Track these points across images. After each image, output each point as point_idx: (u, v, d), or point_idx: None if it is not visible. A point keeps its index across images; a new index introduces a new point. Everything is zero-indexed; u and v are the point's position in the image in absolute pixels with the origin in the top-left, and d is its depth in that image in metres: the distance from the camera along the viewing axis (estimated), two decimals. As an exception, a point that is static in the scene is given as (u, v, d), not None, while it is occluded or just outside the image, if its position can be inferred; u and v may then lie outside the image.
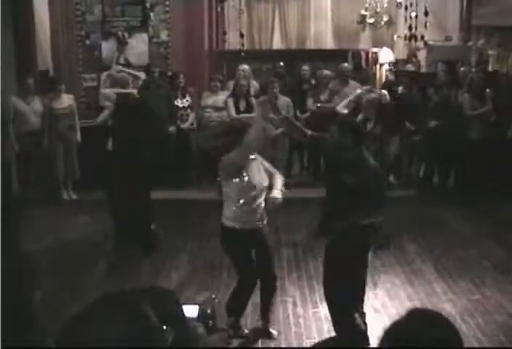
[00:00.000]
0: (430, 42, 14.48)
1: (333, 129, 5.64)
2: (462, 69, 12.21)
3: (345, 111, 10.31)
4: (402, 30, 16.26)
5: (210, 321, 5.13)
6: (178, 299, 2.76)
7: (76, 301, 6.14)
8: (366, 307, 6.35)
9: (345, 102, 9.95)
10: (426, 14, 11.65)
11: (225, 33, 13.34)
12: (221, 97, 11.15)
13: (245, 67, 11.52)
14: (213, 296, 5.84)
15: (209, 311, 5.20)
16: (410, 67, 13.29)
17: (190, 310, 4.20)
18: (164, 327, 2.16)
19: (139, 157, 8.40)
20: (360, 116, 9.10)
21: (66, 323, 1.85)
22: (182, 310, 2.72)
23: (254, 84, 11.75)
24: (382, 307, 6.64)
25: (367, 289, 6.80)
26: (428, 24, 11.92)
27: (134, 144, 8.37)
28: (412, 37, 12.43)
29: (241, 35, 13.50)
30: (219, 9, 13.53)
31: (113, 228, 8.53)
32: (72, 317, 1.87)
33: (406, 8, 12.60)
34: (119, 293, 2.01)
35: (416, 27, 12.13)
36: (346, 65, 11.86)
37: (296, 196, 9.35)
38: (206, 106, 11.23)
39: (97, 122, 10.33)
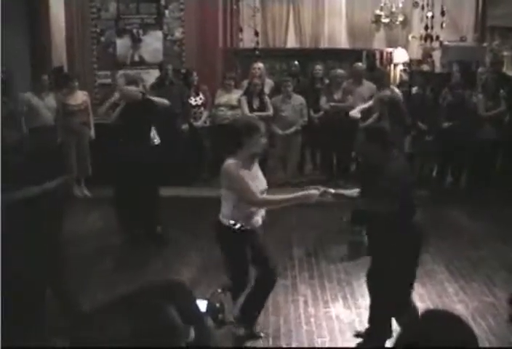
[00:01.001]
0: (445, 42, 14.42)
1: (361, 137, 5.72)
2: (479, 70, 12.17)
3: (359, 116, 10.34)
4: (417, 30, 16.20)
5: (220, 315, 5.14)
6: (195, 296, 2.76)
7: (86, 298, 6.18)
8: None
9: (360, 107, 9.97)
10: (443, 14, 11.62)
11: (241, 30, 13.29)
12: (235, 96, 11.16)
13: (260, 65, 11.51)
14: (219, 290, 5.82)
15: (217, 305, 5.21)
16: (425, 67, 13.25)
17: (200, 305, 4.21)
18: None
19: (147, 154, 8.43)
20: (374, 115, 9.12)
21: (83, 319, 1.86)
22: (199, 308, 2.72)
23: (269, 82, 11.74)
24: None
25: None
26: (443, 24, 11.88)
27: (142, 142, 8.43)
28: (428, 37, 12.38)
29: (256, 34, 13.47)
30: (234, 7, 13.50)
31: (122, 225, 8.59)
32: (89, 313, 1.87)
33: (422, 8, 12.57)
34: (140, 290, 2.01)
35: (432, 27, 12.09)
36: (360, 64, 11.86)
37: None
38: (220, 104, 11.23)
39: (112, 119, 10.32)
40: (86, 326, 1.82)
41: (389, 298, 5.64)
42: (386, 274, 5.57)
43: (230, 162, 5.46)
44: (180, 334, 2.00)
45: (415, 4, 13.77)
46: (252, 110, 10.74)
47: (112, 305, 1.93)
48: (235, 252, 5.74)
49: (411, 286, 5.80)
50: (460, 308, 6.53)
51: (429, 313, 2.31)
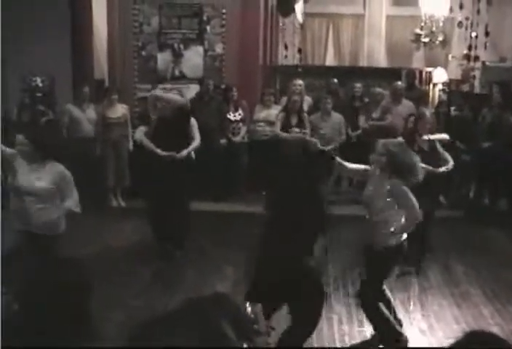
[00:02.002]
0: (486, 63, 14.37)
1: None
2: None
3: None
4: (456, 49, 16.16)
5: (255, 326, 5.14)
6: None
7: (120, 308, 6.22)
8: (413, 329, 6.35)
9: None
10: (487, 34, 11.60)
11: (286, 47, 13.38)
12: (274, 112, 11.19)
13: (300, 82, 11.54)
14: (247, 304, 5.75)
15: (252, 316, 5.23)
16: (464, 87, 13.20)
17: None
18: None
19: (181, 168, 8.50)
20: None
21: (141, 331, 1.88)
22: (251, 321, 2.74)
23: (308, 99, 11.76)
24: (428, 329, 6.58)
25: (415, 309, 6.83)
26: (487, 44, 11.86)
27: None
28: (468, 57, 12.37)
29: (299, 51, 13.56)
30: (281, 25, 13.59)
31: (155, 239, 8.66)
32: (146, 325, 1.89)
33: (466, 28, 12.56)
34: (192, 303, 2.03)
35: (476, 47, 12.08)
36: (400, 83, 11.81)
37: (345, 213, 9.32)
38: (259, 120, 11.27)
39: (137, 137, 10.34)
40: (143, 337, 1.84)
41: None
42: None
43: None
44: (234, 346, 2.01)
45: (460, 24, 13.75)
46: (289, 126, 10.77)
47: (168, 317, 1.95)
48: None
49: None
50: (495, 331, 6.45)
51: (472, 334, 2.29)
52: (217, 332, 1.94)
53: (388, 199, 5.73)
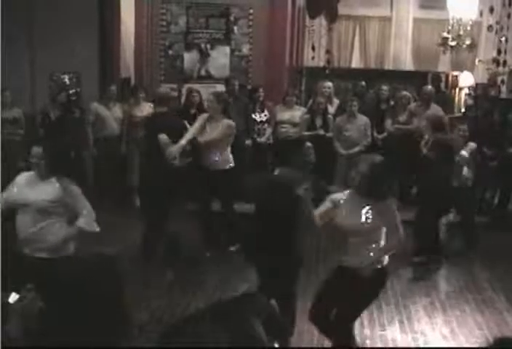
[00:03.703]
0: (512, 67, 14.28)
1: None
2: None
3: None
4: (483, 53, 16.08)
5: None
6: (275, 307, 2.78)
7: (142, 309, 6.26)
8: (434, 334, 6.34)
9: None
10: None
11: (313, 49, 13.35)
12: (297, 113, 11.15)
13: (329, 84, 11.53)
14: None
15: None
16: (491, 91, 13.11)
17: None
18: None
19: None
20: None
21: (175, 330, 1.88)
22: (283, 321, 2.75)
23: (335, 102, 11.72)
24: (450, 334, 6.55)
25: (437, 314, 6.80)
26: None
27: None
28: (497, 61, 12.30)
29: (327, 52, 13.55)
30: (309, 25, 13.58)
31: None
32: (179, 324, 1.90)
33: (496, 32, 12.50)
34: (226, 303, 2.04)
35: (505, 52, 12.01)
36: (430, 87, 11.68)
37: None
38: (283, 121, 11.22)
39: None
40: (177, 336, 1.85)
41: None
42: None
43: None
44: (264, 346, 2.02)
45: (490, 28, 13.67)
46: (314, 128, 10.76)
47: (201, 317, 1.96)
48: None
49: None
50: (519, 338, 6.41)
51: (501, 340, 2.28)
52: (248, 333, 1.95)
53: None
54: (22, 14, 11.04)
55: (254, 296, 2.36)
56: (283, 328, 2.73)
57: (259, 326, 2.01)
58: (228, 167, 8.65)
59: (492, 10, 12.96)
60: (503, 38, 12.10)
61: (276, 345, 2.24)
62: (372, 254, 5.16)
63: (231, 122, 8.58)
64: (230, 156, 8.71)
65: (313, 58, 14.75)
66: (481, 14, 13.99)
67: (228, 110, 8.66)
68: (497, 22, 13.03)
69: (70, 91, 11.26)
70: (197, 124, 8.45)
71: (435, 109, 11.07)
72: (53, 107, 10.86)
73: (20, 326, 3.01)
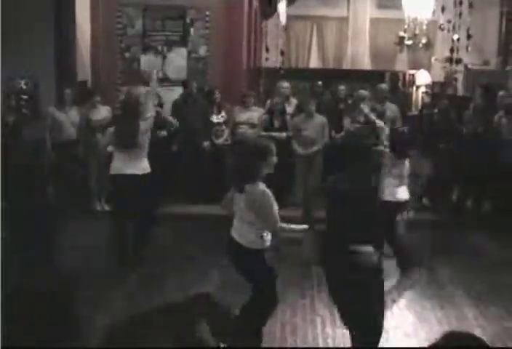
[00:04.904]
0: (469, 66, 14.44)
1: None
2: (500, 94, 12.12)
3: None
4: (440, 52, 16.24)
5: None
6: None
7: (103, 313, 6.18)
8: (396, 331, 6.35)
9: None
10: (468, 37, 11.64)
11: (267, 50, 13.36)
12: (256, 114, 11.15)
13: (286, 84, 11.57)
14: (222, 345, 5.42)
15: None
16: (448, 89, 13.26)
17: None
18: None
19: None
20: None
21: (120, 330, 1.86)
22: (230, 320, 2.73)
23: (293, 102, 11.75)
24: (413, 331, 6.57)
25: (398, 311, 6.84)
26: (469, 48, 11.91)
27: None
28: (451, 60, 12.41)
29: (282, 53, 13.57)
30: (263, 26, 13.60)
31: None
32: (126, 325, 1.88)
33: (448, 31, 12.61)
34: (176, 304, 2.02)
35: (458, 50, 12.11)
36: (384, 85, 11.83)
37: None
38: (241, 122, 11.20)
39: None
40: (119, 337, 1.83)
41: None
42: None
43: (264, 188, 5.52)
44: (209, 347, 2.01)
45: (441, 27, 13.80)
46: (272, 129, 10.75)
47: (149, 317, 1.94)
48: (262, 271, 5.72)
49: None
50: (478, 333, 6.45)
51: (450, 335, 2.29)
52: (192, 332, 1.94)
53: None
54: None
55: (202, 296, 2.35)
56: (229, 327, 2.71)
57: (206, 326, 2.00)
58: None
59: (443, 9, 13.08)
60: (455, 37, 12.21)
61: (222, 345, 2.23)
62: None
63: None
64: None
65: (267, 59, 14.64)
66: (434, 13, 14.14)
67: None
68: (449, 21, 13.14)
69: (23, 96, 11.14)
70: None
71: (390, 107, 11.17)
72: (8, 112, 10.71)
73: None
